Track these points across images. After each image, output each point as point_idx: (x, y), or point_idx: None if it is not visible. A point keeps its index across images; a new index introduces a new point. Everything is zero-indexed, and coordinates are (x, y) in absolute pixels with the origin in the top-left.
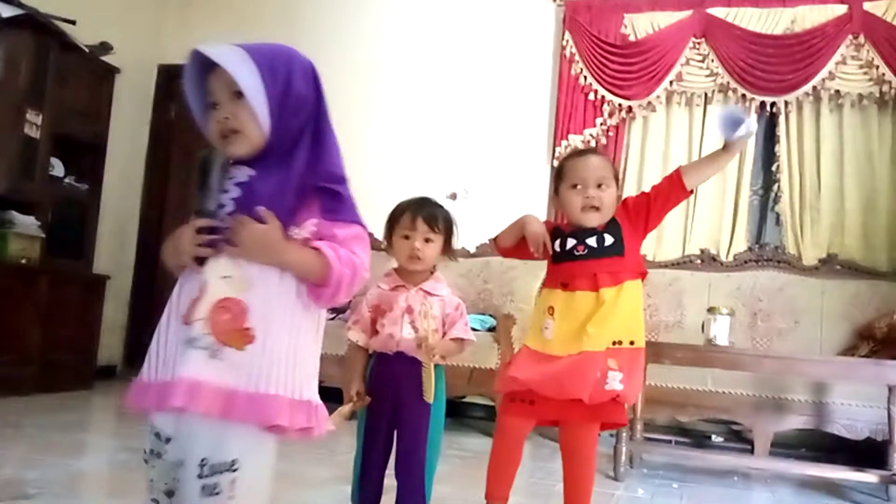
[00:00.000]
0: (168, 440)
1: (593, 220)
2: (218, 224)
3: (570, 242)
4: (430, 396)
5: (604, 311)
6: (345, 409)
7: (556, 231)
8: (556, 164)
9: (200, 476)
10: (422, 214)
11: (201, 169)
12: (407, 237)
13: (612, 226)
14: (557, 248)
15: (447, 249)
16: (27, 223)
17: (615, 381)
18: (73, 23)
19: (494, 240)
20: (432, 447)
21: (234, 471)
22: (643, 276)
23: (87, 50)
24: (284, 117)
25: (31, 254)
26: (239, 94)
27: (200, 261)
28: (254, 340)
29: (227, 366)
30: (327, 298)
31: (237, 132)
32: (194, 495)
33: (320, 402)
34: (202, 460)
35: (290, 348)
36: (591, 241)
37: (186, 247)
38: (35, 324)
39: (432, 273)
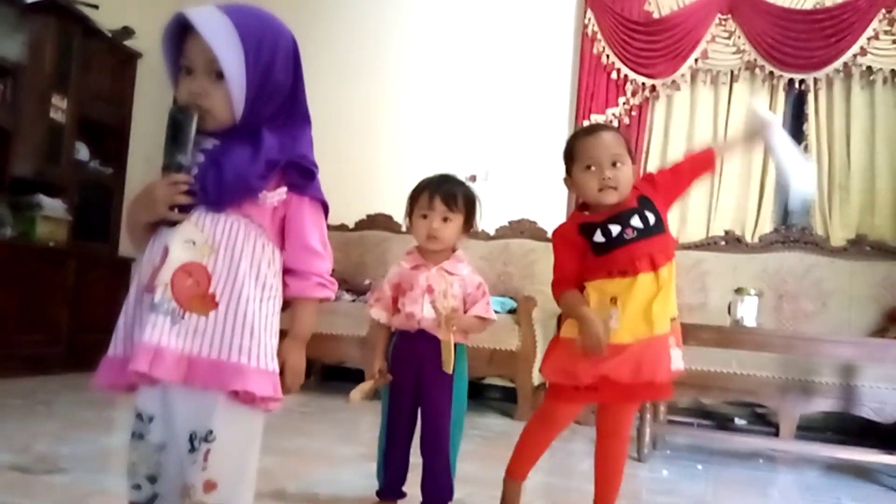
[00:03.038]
0: (151, 419)
1: (612, 198)
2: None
3: (615, 229)
4: (448, 368)
5: (665, 290)
6: (365, 385)
7: (586, 226)
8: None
9: (192, 451)
10: (440, 193)
11: (172, 125)
12: (425, 216)
13: (647, 204)
14: (601, 238)
15: (468, 227)
16: (54, 206)
17: (678, 360)
18: (96, 7)
19: (558, 299)
20: (456, 425)
21: (210, 441)
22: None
23: (109, 35)
24: (258, 103)
25: (58, 236)
26: (219, 75)
27: (182, 209)
28: (217, 306)
29: (190, 332)
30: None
31: (207, 110)
32: (188, 469)
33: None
34: (192, 434)
35: (254, 316)
36: (636, 222)
37: (162, 197)
38: (63, 305)
39: (454, 251)
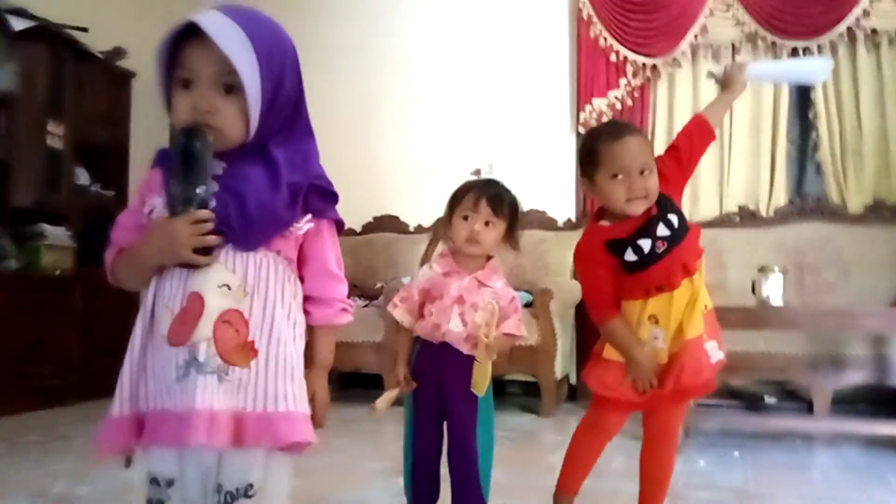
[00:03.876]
0: (170, 484)
1: (641, 208)
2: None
3: (645, 244)
4: (481, 390)
5: (697, 293)
6: (390, 394)
7: (613, 244)
8: (581, 130)
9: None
10: (486, 195)
11: (183, 152)
12: (467, 218)
13: (668, 204)
14: (633, 257)
15: (510, 237)
16: (58, 234)
17: (716, 352)
18: (86, 30)
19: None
20: (485, 438)
21: (250, 497)
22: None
23: (101, 56)
24: (269, 116)
25: (64, 264)
26: (229, 89)
27: (205, 251)
28: (257, 354)
29: (235, 387)
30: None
31: (217, 129)
32: None
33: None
34: (219, 486)
35: (291, 357)
36: (663, 231)
37: (186, 240)
38: (73, 333)
39: (489, 259)
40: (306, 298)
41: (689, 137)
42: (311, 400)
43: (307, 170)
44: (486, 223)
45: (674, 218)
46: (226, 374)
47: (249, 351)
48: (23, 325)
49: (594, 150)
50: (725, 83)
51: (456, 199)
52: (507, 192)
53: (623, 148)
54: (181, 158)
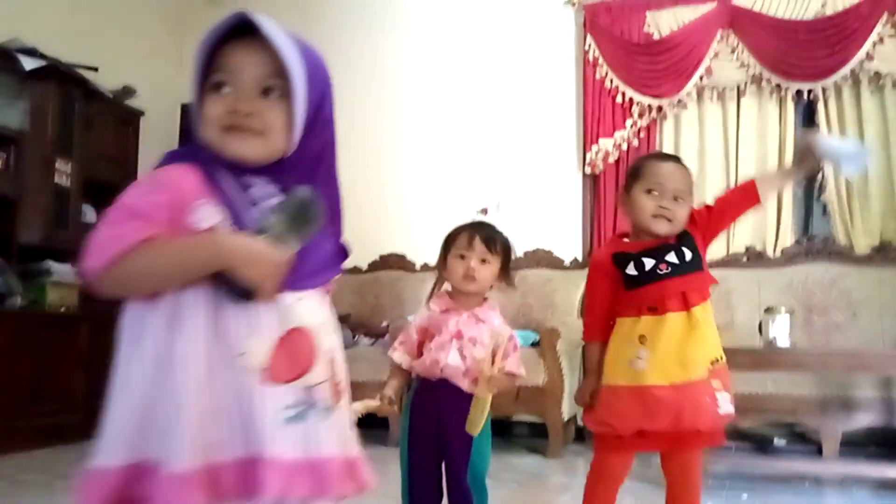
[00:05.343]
0: None
1: (662, 228)
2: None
3: (649, 262)
4: (475, 429)
5: (700, 331)
6: (371, 403)
7: (620, 256)
8: (588, 170)
9: None
10: (480, 234)
11: (304, 206)
12: (463, 256)
13: (687, 239)
14: (633, 272)
15: (504, 275)
16: (64, 271)
17: (726, 403)
18: (96, 69)
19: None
20: (478, 472)
21: None
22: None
23: (110, 95)
24: (310, 135)
25: (69, 302)
26: (266, 91)
27: (247, 296)
28: (342, 397)
29: (329, 428)
30: None
31: (259, 134)
32: None
33: None
34: None
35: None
36: (672, 258)
37: (279, 271)
38: (78, 371)
39: (486, 299)
40: None
41: (732, 196)
42: None
43: (332, 223)
44: (482, 260)
45: (688, 252)
46: (329, 418)
47: (338, 392)
48: (27, 364)
49: (639, 166)
50: (800, 154)
51: (450, 241)
52: (498, 232)
53: (664, 168)
54: (297, 210)
